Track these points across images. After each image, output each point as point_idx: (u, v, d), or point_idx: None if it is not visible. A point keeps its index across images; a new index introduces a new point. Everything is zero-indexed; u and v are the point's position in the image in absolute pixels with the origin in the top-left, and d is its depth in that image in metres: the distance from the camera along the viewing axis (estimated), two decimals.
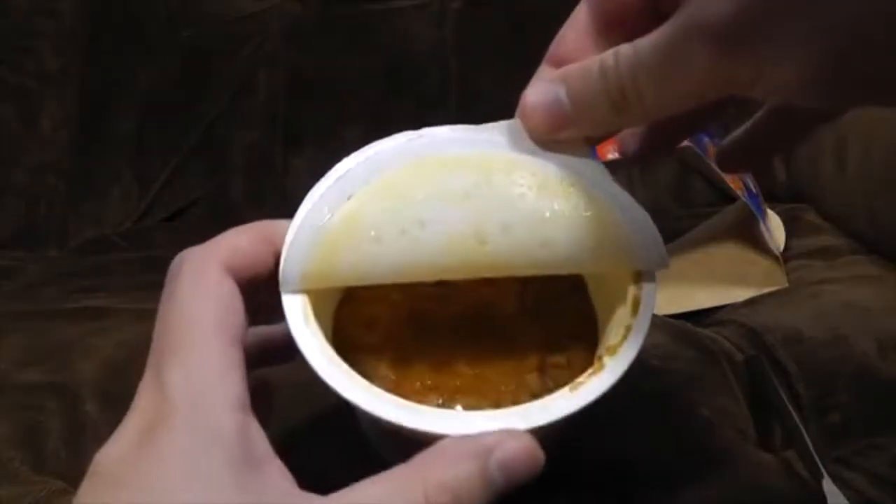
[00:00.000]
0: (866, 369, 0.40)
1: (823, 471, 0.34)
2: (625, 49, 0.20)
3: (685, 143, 0.50)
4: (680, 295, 0.52)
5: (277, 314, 0.25)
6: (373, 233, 0.24)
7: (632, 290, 0.25)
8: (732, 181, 0.51)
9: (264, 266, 0.24)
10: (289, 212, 0.31)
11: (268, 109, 0.74)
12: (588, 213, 0.24)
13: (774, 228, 0.57)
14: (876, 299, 0.46)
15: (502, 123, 0.25)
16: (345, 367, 0.23)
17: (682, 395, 0.39)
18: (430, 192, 0.24)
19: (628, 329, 0.24)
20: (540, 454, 0.21)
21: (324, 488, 0.21)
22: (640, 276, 0.25)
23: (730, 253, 0.53)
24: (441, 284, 0.29)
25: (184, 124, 0.74)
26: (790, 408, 0.39)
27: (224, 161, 0.74)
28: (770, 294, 0.50)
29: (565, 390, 0.23)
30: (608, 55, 0.20)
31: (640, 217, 0.25)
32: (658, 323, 0.48)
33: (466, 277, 0.25)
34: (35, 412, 0.40)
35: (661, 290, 0.54)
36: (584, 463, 0.34)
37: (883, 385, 0.40)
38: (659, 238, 0.25)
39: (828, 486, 0.34)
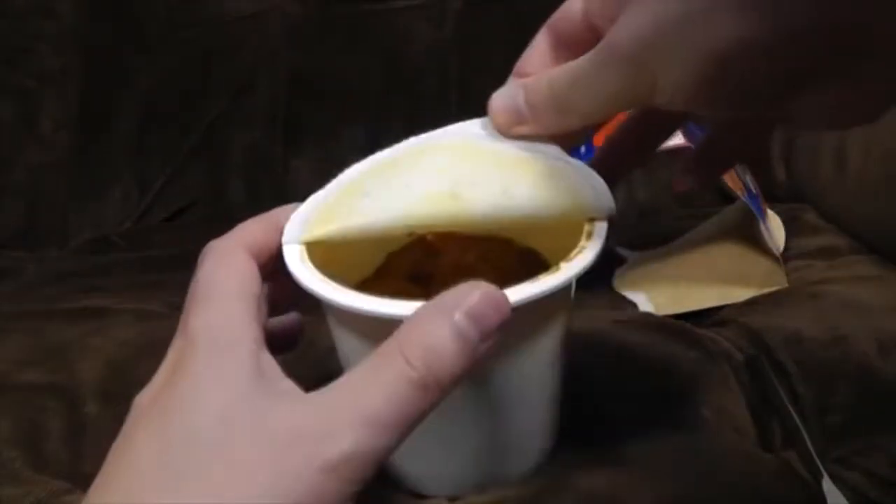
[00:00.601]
0: (866, 369, 0.40)
1: (823, 471, 0.34)
2: (566, 67, 0.25)
3: (685, 143, 0.50)
4: (680, 295, 0.52)
5: (284, 304, 0.29)
6: (364, 190, 0.29)
7: (586, 228, 0.28)
8: (732, 181, 0.51)
9: (276, 251, 0.28)
10: None
11: (268, 109, 0.74)
12: (546, 174, 0.28)
13: (774, 228, 0.57)
14: (876, 299, 0.46)
15: (480, 120, 0.30)
16: (331, 283, 0.26)
17: (682, 395, 0.40)
18: (417, 166, 0.29)
19: (581, 249, 0.27)
20: (503, 297, 0.23)
21: None
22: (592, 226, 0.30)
23: (730, 253, 0.53)
24: (427, 285, 0.34)
25: (184, 124, 0.74)
26: (790, 408, 0.39)
27: (224, 161, 0.74)
28: (770, 294, 0.50)
29: (526, 282, 0.26)
30: (555, 71, 0.25)
31: (591, 175, 0.28)
32: (658, 323, 0.48)
33: (442, 228, 0.29)
34: (36, 412, 0.40)
35: (661, 290, 0.54)
36: (582, 461, 0.34)
37: (883, 385, 0.40)
38: (608, 192, 0.28)
39: (827, 485, 0.34)
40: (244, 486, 0.20)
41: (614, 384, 0.40)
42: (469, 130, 0.29)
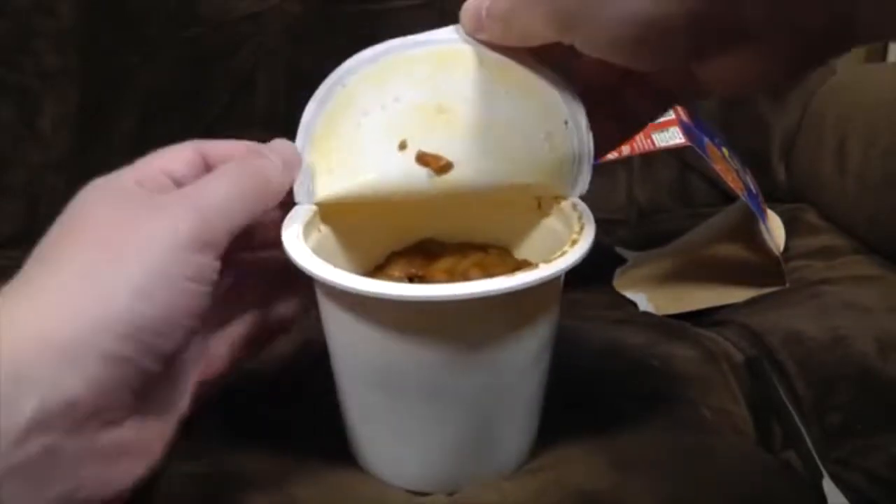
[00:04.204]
0: (866, 369, 0.40)
1: (823, 471, 0.34)
2: None
3: (685, 142, 0.50)
4: (680, 295, 0.52)
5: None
6: (361, 108, 0.31)
7: (573, 237, 0.30)
8: (733, 181, 0.51)
9: None
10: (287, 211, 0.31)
11: (268, 109, 0.74)
12: (520, 81, 0.30)
13: (774, 228, 0.57)
14: (876, 299, 0.46)
15: (454, 26, 0.31)
16: (325, 263, 0.28)
17: (682, 395, 0.40)
18: (401, 78, 0.31)
19: (563, 253, 0.29)
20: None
21: None
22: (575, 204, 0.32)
23: (730, 253, 0.53)
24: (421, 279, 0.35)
25: (184, 124, 0.74)
26: (790, 408, 0.39)
27: None
28: (770, 294, 0.50)
29: (541, 264, 0.28)
30: None
31: (561, 80, 0.30)
32: (658, 323, 0.48)
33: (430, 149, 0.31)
34: None
35: (661, 290, 0.54)
36: (582, 461, 0.34)
37: (883, 385, 0.40)
38: (577, 99, 0.30)
39: (827, 486, 0.34)
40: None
41: (614, 384, 0.40)
42: (449, 39, 0.31)
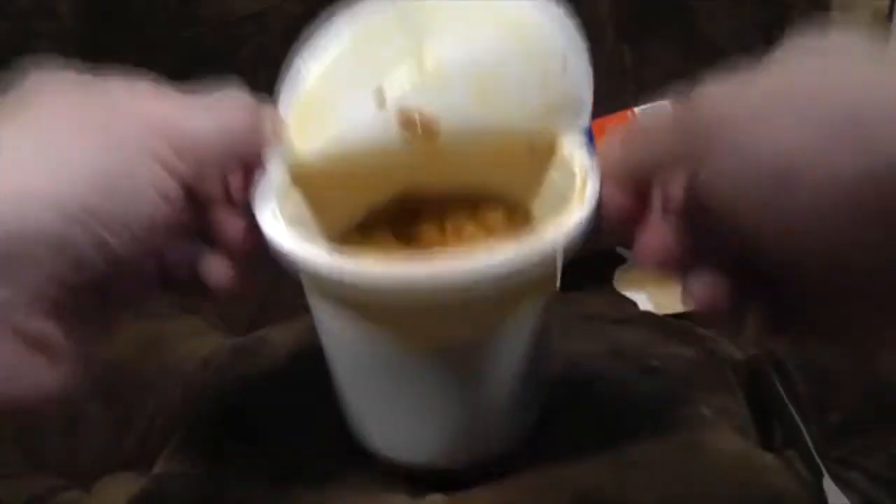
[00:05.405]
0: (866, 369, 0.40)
1: (824, 470, 0.34)
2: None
3: None
4: (680, 294, 0.52)
5: None
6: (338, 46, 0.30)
7: (577, 186, 0.27)
8: None
9: None
10: None
11: None
12: (511, 20, 0.28)
13: None
14: None
15: None
16: (313, 246, 0.25)
17: (682, 395, 0.39)
18: (377, 16, 0.29)
19: (584, 178, 0.26)
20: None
21: None
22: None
23: None
24: (410, 243, 0.33)
25: None
26: (790, 407, 0.39)
27: None
28: None
29: (510, 245, 0.24)
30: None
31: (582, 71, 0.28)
32: (658, 323, 0.48)
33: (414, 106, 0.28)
34: None
35: (662, 290, 0.54)
36: (582, 461, 0.34)
37: (883, 385, 0.40)
38: (589, 103, 0.28)
39: (828, 485, 0.34)
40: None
41: (614, 384, 0.40)
42: None
